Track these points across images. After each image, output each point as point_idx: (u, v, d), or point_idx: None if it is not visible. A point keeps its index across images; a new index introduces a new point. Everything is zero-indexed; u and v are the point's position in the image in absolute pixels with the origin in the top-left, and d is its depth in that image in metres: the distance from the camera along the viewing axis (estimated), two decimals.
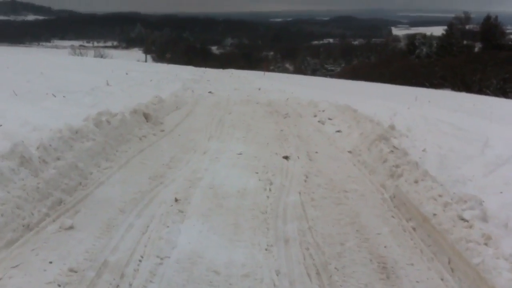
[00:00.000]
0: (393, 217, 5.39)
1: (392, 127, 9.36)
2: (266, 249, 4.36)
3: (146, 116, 9.38)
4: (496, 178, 6.40)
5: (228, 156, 7.55)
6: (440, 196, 5.17)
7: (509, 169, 6.71)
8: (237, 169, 6.88)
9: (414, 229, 5.05)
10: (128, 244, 4.21)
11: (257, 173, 6.70)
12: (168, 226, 4.67)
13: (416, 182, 5.73)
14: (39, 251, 3.92)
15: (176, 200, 5.38)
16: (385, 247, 4.60)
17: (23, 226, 4.24)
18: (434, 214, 4.83)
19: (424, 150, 7.86)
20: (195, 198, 5.52)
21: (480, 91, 43.05)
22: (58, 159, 5.58)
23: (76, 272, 3.63)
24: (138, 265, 3.88)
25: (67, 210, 4.83)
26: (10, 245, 3.98)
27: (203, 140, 8.69)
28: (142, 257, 4.02)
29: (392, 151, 7.10)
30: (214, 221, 4.92)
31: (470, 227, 4.46)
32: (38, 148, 5.44)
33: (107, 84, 14.59)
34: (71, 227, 4.38)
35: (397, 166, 6.44)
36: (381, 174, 6.68)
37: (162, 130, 9.17)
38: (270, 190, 5.99)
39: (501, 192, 5.79)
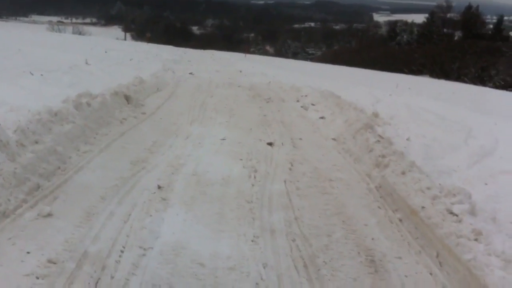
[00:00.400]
0: (379, 207, 5.33)
1: (375, 115, 9.30)
2: (252, 241, 4.24)
3: (127, 98, 9.14)
4: (481, 169, 6.37)
5: (211, 142, 7.39)
6: (428, 188, 5.11)
7: (492, 160, 6.70)
8: (221, 155, 6.73)
9: (400, 220, 4.99)
10: (109, 233, 4.05)
11: (241, 159, 6.57)
12: (151, 215, 4.51)
13: (403, 173, 5.67)
14: (16, 240, 3.73)
15: (159, 187, 5.22)
16: (372, 239, 4.53)
17: None
18: (423, 207, 4.78)
19: (408, 139, 7.81)
20: (178, 185, 5.37)
21: (458, 78, 43.45)
22: (36, 142, 5.35)
23: (55, 263, 3.45)
24: (120, 256, 3.73)
25: (45, 196, 4.62)
26: None
27: (185, 124, 8.50)
28: (124, 247, 3.86)
29: (378, 140, 7.01)
30: (198, 209, 4.78)
31: (460, 221, 4.41)
32: (15, 131, 5.20)
33: (86, 63, 14.24)
34: (49, 214, 4.19)
35: (383, 156, 6.36)
36: (367, 164, 6.61)
37: (143, 113, 8.94)
38: (254, 177, 5.86)
39: (486, 184, 5.77)
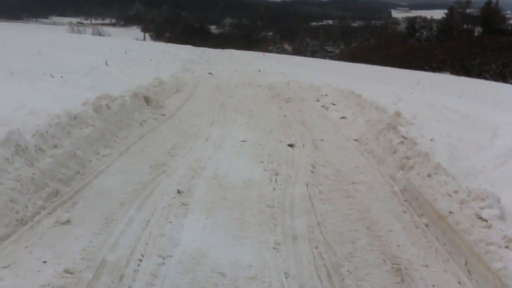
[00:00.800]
0: (404, 212, 5.17)
1: (398, 114, 9.13)
2: (274, 248, 4.11)
3: (147, 100, 9.10)
4: (508, 171, 6.19)
5: (231, 144, 7.29)
6: (455, 192, 4.94)
7: None
8: (241, 158, 6.62)
9: (427, 226, 4.83)
10: (128, 241, 3.95)
11: (262, 162, 6.45)
12: (170, 221, 4.41)
13: (429, 175, 5.49)
14: (33, 249, 3.65)
15: (178, 192, 5.12)
16: (398, 246, 4.37)
17: (17, 220, 3.97)
18: (450, 212, 4.60)
19: (432, 140, 7.63)
20: (198, 190, 5.26)
21: (479, 75, 42.90)
22: (56, 146, 5.30)
23: (72, 273, 3.36)
24: (139, 265, 3.63)
25: (64, 202, 4.56)
26: (1, 241, 3.70)
27: (205, 125, 8.42)
28: (142, 256, 3.76)
29: (402, 141, 6.85)
30: (218, 215, 4.67)
31: (489, 227, 4.24)
32: (34, 135, 5.16)
33: (106, 64, 14.31)
34: (67, 221, 4.12)
35: (407, 158, 6.19)
36: (390, 166, 6.45)
37: (163, 115, 8.88)
38: (276, 181, 5.74)
39: None
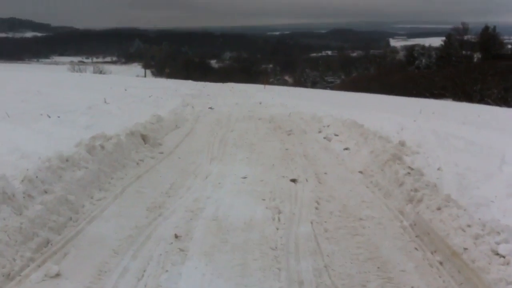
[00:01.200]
0: (416, 249, 4.87)
1: (402, 143, 8.87)
2: None
3: (144, 138, 8.88)
4: None
5: (231, 181, 7.02)
6: (468, 226, 4.66)
7: None
8: (242, 196, 6.34)
9: (441, 263, 4.53)
10: None
11: (264, 200, 6.17)
12: (167, 270, 4.11)
13: (439, 209, 5.22)
14: None
15: (176, 236, 4.84)
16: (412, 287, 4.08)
17: (3, 275, 3.69)
18: (465, 249, 4.32)
19: (439, 169, 7.35)
20: (197, 233, 4.97)
21: (481, 100, 42.77)
22: (46, 192, 5.05)
23: None
24: None
25: (55, 253, 4.28)
26: None
27: (204, 162, 8.17)
28: None
29: (408, 172, 6.58)
30: (218, 261, 4.37)
31: (508, 263, 3.95)
32: (22, 181, 4.91)
33: (105, 102, 14.14)
34: (57, 275, 3.84)
35: (415, 190, 5.92)
36: (398, 199, 6.17)
37: (161, 152, 8.65)
38: (279, 220, 5.45)
39: None
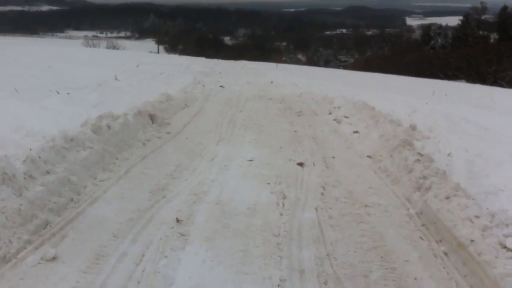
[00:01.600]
0: (421, 238, 4.79)
1: (413, 127, 8.70)
2: (278, 285, 3.76)
3: (152, 117, 8.80)
4: None
5: (237, 164, 6.93)
6: (476, 217, 4.55)
7: None
8: (248, 179, 6.25)
9: (446, 254, 4.44)
10: (118, 280, 3.62)
11: (269, 184, 6.08)
12: (166, 256, 4.06)
13: (447, 198, 5.11)
14: None
15: (177, 220, 4.78)
16: (415, 279, 4.00)
17: None
18: (472, 241, 4.21)
19: (449, 155, 7.20)
20: (199, 217, 4.90)
21: (495, 82, 42.10)
22: (48, 173, 4.99)
23: None
24: None
25: (53, 235, 4.24)
26: None
27: (211, 143, 8.08)
28: None
29: (418, 159, 6.45)
30: (219, 247, 4.31)
31: None
32: (24, 161, 4.85)
33: (116, 78, 14.05)
34: (54, 258, 3.80)
35: (424, 178, 5.80)
36: (406, 186, 6.06)
37: (168, 133, 8.57)
38: (283, 205, 5.37)
39: None
